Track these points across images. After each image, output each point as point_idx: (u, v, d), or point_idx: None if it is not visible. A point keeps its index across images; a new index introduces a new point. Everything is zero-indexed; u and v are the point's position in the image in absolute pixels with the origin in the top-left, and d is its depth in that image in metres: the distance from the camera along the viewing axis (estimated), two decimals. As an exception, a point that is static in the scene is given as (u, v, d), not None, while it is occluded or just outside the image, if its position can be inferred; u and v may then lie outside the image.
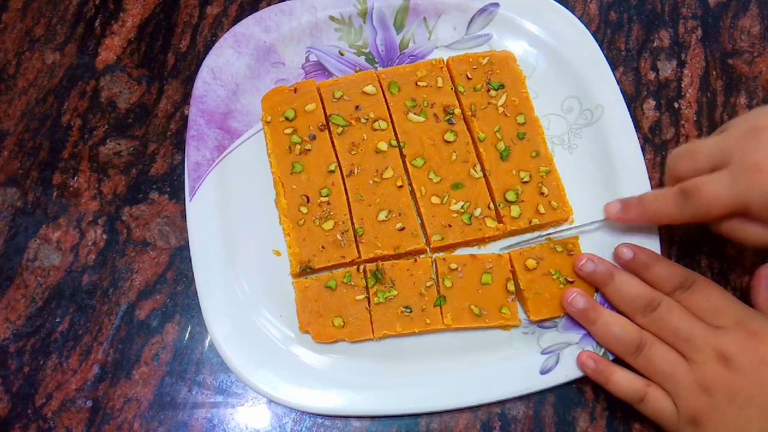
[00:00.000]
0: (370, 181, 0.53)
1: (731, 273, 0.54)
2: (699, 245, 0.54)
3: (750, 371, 0.43)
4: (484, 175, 0.53)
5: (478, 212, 0.52)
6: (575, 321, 0.50)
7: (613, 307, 0.49)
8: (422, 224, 0.52)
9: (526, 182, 0.53)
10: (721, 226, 0.47)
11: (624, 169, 0.54)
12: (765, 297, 0.48)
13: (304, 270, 0.51)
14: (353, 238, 0.51)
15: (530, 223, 0.52)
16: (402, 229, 0.52)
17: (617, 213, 0.50)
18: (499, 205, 0.53)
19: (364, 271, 0.51)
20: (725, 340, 0.44)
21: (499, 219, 0.53)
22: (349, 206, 0.52)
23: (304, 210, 0.52)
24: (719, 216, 0.45)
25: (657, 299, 0.47)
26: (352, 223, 0.52)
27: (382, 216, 0.52)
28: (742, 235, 0.46)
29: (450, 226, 0.52)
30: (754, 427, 0.42)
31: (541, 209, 0.53)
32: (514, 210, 0.52)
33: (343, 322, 0.50)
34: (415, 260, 0.51)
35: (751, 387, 0.43)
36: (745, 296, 0.50)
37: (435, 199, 0.53)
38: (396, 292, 0.50)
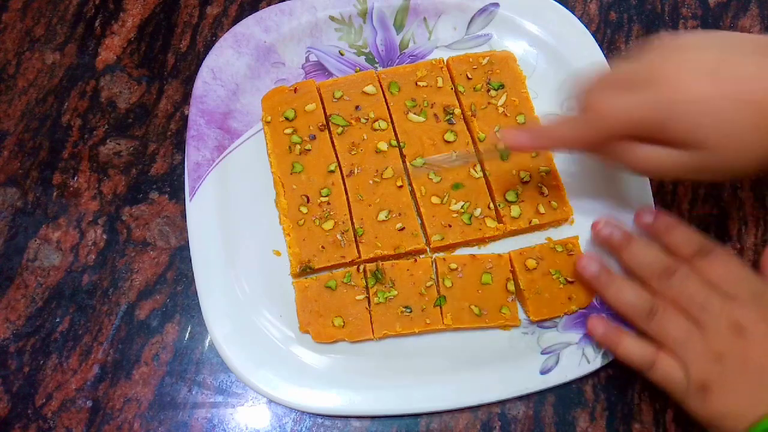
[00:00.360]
0: (370, 181, 0.53)
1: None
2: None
3: (763, 341, 0.43)
4: (484, 175, 0.53)
5: (478, 212, 0.52)
6: (575, 321, 0.50)
7: (628, 273, 0.49)
8: (422, 224, 0.52)
9: (526, 182, 0.53)
10: (615, 150, 0.44)
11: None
12: None
13: (304, 270, 0.51)
14: (353, 238, 0.51)
15: (530, 223, 0.52)
16: (402, 229, 0.52)
17: (521, 140, 0.47)
18: (499, 205, 0.53)
19: (364, 271, 0.51)
20: (741, 311, 0.44)
21: (499, 219, 0.53)
22: (349, 206, 0.52)
23: (304, 210, 0.52)
24: (617, 134, 0.43)
25: (674, 266, 0.47)
26: (352, 223, 0.52)
27: (382, 216, 0.52)
28: (639, 158, 0.43)
29: (450, 226, 0.52)
30: (763, 396, 0.42)
31: (541, 209, 0.53)
32: (514, 210, 0.52)
33: (343, 322, 0.50)
34: (415, 260, 0.51)
35: (763, 357, 0.43)
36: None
37: (435, 199, 0.53)
38: (396, 292, 0.50)
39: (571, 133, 0.45)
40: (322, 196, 0.52)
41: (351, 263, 0.51)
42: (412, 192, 0.53)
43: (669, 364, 0.45)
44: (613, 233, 0.50)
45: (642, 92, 0.41)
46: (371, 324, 0.50)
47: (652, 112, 0.41)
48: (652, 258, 0.48)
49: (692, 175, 0.44)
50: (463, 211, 0.52)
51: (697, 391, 0.44)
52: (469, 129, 0.55)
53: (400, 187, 0.53)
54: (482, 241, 0.53)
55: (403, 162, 0.54)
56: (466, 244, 0.53)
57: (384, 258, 0.52)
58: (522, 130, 0.49)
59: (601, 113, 0.43)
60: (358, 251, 0.51)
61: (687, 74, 0.40)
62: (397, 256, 0.52)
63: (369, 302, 0.50)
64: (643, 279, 0.48)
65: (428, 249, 0.53)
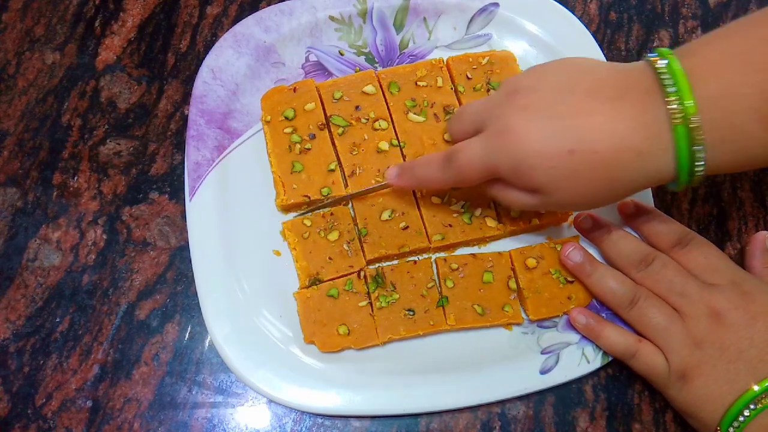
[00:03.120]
0: (373, 181, 0.53)
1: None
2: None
3: (741, 327, 0.44)
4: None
5: (478, 212, 0.52)
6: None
7: (609, 263, 0.50)
8: (423, 224, 0.52)
9: None
10: (487, 190, 0.48)
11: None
12: (759, 261, 0.50)
13: (314, 282, 0.51)
14: (360, 247, 0.51)
15: (530, 223, 0.52)
16: (406, 228, 0.52)
17: (394, 179, 0.50)
18: (498, 206, 0.53)
19: (365, 276, 0.51)
20: (718, 297, 0.45)
21: (499, 219, 0.53)
22: (352, 207, 0.52)
23: (308, 223, 0.52)
24: (477, 180, 0.46)
25: (652, 255, 0.48)
26: (356, 225, 0.52)
27: (385, 215, 0.52)
28: (504, 199, 0.47)
29: (451, 225, 0.52)
30: (741, 381, 0.43)
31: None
32: (514, 210, 0.52)
33: (348, 330, 0.49)
34: (415, 262, 0.51)
35: (741, 342, 0.44)
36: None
37: (435, 200, 0.53)
38: (398, 296, 0.50)
39: (437, 176, 0.48)
40: (322, 195, 0.52)
41: (359, 272, 0.51)
42: (414, 193, 0.53)
43: (650, 352, 0.46)
44: (593, 225, 0.51)
45: (489, 142, 0.44)
46: (376, 329, 0.50)
47: (498, 165, 0.44)
48: (632, 248, 0.49)
49: (540, 209, 0.49)
50: (463, 210, 0.52)
51: (677, 379, 0.45)
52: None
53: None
54: (483, 240, 0.53)
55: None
56: (467, 243, 0.53)
57: (389, 257, 0.51)
58: (398, 167, 0.51)
59: (458, 165, 0.45)
60: (364, 254, 0.51)
61: (526, 127, 0.42)
62: (402, 255, 0.52)
63: (372, 308, 0.50)
64: (623, 268, 0.49)
65: (431, 248, 0.53)
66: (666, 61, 0.41)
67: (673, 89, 0.40)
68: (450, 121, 0.50)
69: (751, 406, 0.42)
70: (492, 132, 0.44)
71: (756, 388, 0.42)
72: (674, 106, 0.39)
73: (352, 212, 0.53)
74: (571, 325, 0.50)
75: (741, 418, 0.42)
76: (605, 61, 0.44)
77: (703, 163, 0.40)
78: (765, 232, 0.51)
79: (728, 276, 0.47)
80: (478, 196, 0.53)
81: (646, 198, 0.53)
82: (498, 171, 0.44)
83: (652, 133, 0.40)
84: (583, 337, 0.50)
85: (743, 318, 0.44)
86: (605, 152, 0.41)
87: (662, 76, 0.40)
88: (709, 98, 0.39)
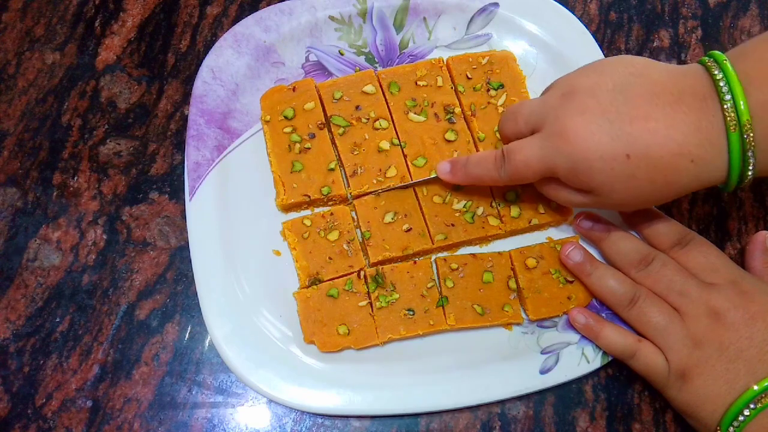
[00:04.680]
0: (374, 180, 0.53)
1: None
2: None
3: (740, 326, 0.44)
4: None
5: (480, 211, 0.52)
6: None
7: (609, 263, 0.51)
8: (425, 224, 0.52)
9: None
10: (540, 187, 0.49)
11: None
12: (759, 261, 0.50)
13: (314, 282, 0.51)
14: (359, 247, 0.51)
15: (530, 222, 0.52)
16: (409, 230, 0.52)
17: (446, 174, 0.51)
18: (498, 205, 0.53)
19: (365, 276, 0.51)
20: (718, 296, 0.45)
21: (499, 219, 0.53)
22: (353, 207, 0.52)
23: (307, 223, 0.52)
24: (532, 179, 0.47)
25: (652, 254, 0.48)
26: (359, 227, 0.52)
27: (388, 218, 0.52)
28: (557, 197, 0.48)
29: (453, 225, 0.52)
30: (741, 380, 0.43)
31: (541, 209, 0.53)
32: (514, 210, 0.52)
33: (348, 330, 0.49)
34: (414, 262, 0.51)
35: (740, 341, 0.44)
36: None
37: (437, 199, 0.53)
38: (398, 296, 0.50)
39: (491, 175, 0.48)
40: (323, 195, 0.52)
41: (359, 271, 0.51)
42: (416, 192, 0.53)
43: (650, 352, 0.47)
44: (593, 227, 0.51)
45: (547, 143, 0.44)
46: (376, 329, 0.50)
47: (556, 165, 0.44)
48: (631, 247, 0.49)
49: (593, 207, 0.49)
50: (465, 210, 0.52)
51: (677, 378, 0.45)
52: (469, 128, 0.55)
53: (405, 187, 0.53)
54: (485, 239, 0.53)
55: (405, 162, 0.54)
56: (470, 242, 0.53)
57: (393, 260, 0.51)
58: (449, 163, 0.51)
59: (515, 164, 0.46)
60: (367, 256, 0.51)
61: (585, 130, 0.43)
62: (405, 258, 0.52)
63: (372, 307, 0.50)
64: (623, 268, 0.49)
65: (433, 249, 0.52)
66: (720, 68, 0.41)
67: (728, 96, 0.40)
68: (502, 121, 0.50)
69: (751, 406, 0.42)
70: (550, 133, 0.44)
71: (756, 387, 0.42)
72: (730, 113, 0.40)
73: (354, 214, 0.53)
74: (571, 325, 0.50)
75: (741, 418, 0.42)
76: (655, 61, 0.45)
77: (754, 166, 0.41)
78: (765, 232, 0.51)
79: (728, 276, 0.47)
80: (479, 195, 0.53)
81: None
82: (555, 171, 0.45)
83: (707, 138, 0.41)
84: (583, 337, 0.50)
85: (743, 317, 0.44)
86: (662, 158, 0.41)
87: (719, 83, 0.41)
88: (763, 103, 0.40)
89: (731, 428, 0.43)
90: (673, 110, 0.41)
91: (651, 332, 0.47)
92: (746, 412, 0.42)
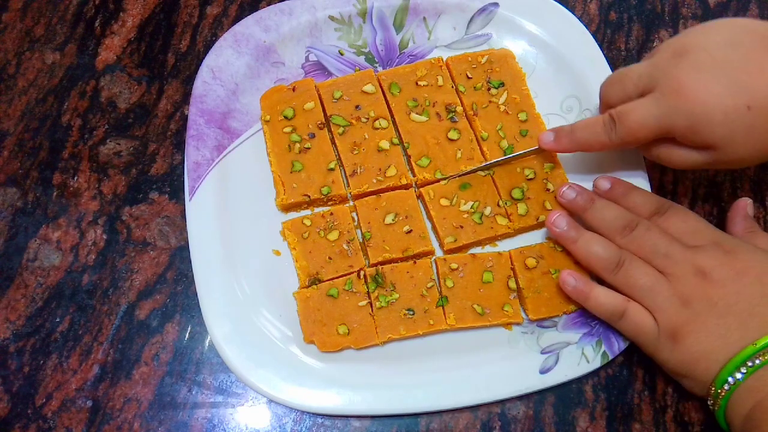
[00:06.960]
0: (374, 180, 0.53)
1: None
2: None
3: (728, 282, 0.44)
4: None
5: (488, 211, 0.52)
6: (574, 321, 0.50)
7: (593, 231, 0.50)
8: (434, 227, 0.52)
9: (531, 179, 0.53)
10: (650, 150, 0.49)
11: (623, 168, 0.54)
12: (741, 226, 0.50)
13: (313, 282, 0.51)
14: (359, 247, 0.51)
15: (537, 220, 0.52)
16: (410, 231, 0.52)
17: (550, 143, 0.51)
18: (506, 203, 0.53)
19: (365, 276, 0.51)
20: (703, 256, 0.46)
21: (507, 218, 0.53)
22: (354, 207, 0.52)
23: (307, 222, 0.52)
24: (646, 140, 0.47)
25: (635, 221, 0.49)
26: (359, 227, 0.52)
27: (389, 219, 0.52)
28: (670, 159, 0.48)
29: (462, 227, 0.52)
30: (732, 335, 0.43)
31: (548, 205, 0.53)
32: (521, 207, 0.52)
33: (348, 330, 0.49)
34: (414, 262, 0.51)
35: (729, 296, 0.44)
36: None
37: (444, 201, 0.52)
38: (398, 296, 0.50)
39: (600, 139, 0.49)
40: (323, 194, 0.52)
41: (359, 271, 0.51)
42: (420, 195, 0.53)
43: (639, 312, 0.46)
44: (576, 197, 0.51)
45: (662, 102, 0.45)
46: (375, 329, 0.50)
47: (674, 124, 0.45)
48: (615, 214, 0.49)
49: (708, 167, 0.48)
50: (473, 210, 0.52)
51: (667, 338, 0.45)
52: (471, 126, 0.55)
53: (405, 185, 0.52)
54: (494, 239, 0.53)
55: (409, 163, 0.54)
56: (479, 243, 0.53)
57: (393, 261, 0.51)
58: (553, 131, 0.51)
59: (629, 126, 0.46)
60: (367, 257, 0.51)
61: (703, 84, 0.43)
62: (405, 259, 0.52)
63: (371, 307, 0.50)
64: (608, 235, 0.49)
65: (443, 251, 0.52)
66: None
67: None
68: (605, 86, 0.50)
69: (749, 363, 0.42)
70: (665, 92, 0.44)
71: (755, 345, 0.42)
72: None
73: (354, 215, 0.53)
74: (571, 325, 0.50)
75: (738, 375, 0.42)
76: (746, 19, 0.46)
77: None
78: (746, 198, 0.51)
79: (709, 237, 0.47)
80: (485, 195, 0.53)
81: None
82: (672, 130, 0.45)
83: None
84: (583, 336, 0.50)
85: (729, 273, 0.44)
86: None
87: None
88: None
89: (726, 385, 0.42)
90: None
91: (638, 294, 0.46)
92: (743, 370, 0.42)
